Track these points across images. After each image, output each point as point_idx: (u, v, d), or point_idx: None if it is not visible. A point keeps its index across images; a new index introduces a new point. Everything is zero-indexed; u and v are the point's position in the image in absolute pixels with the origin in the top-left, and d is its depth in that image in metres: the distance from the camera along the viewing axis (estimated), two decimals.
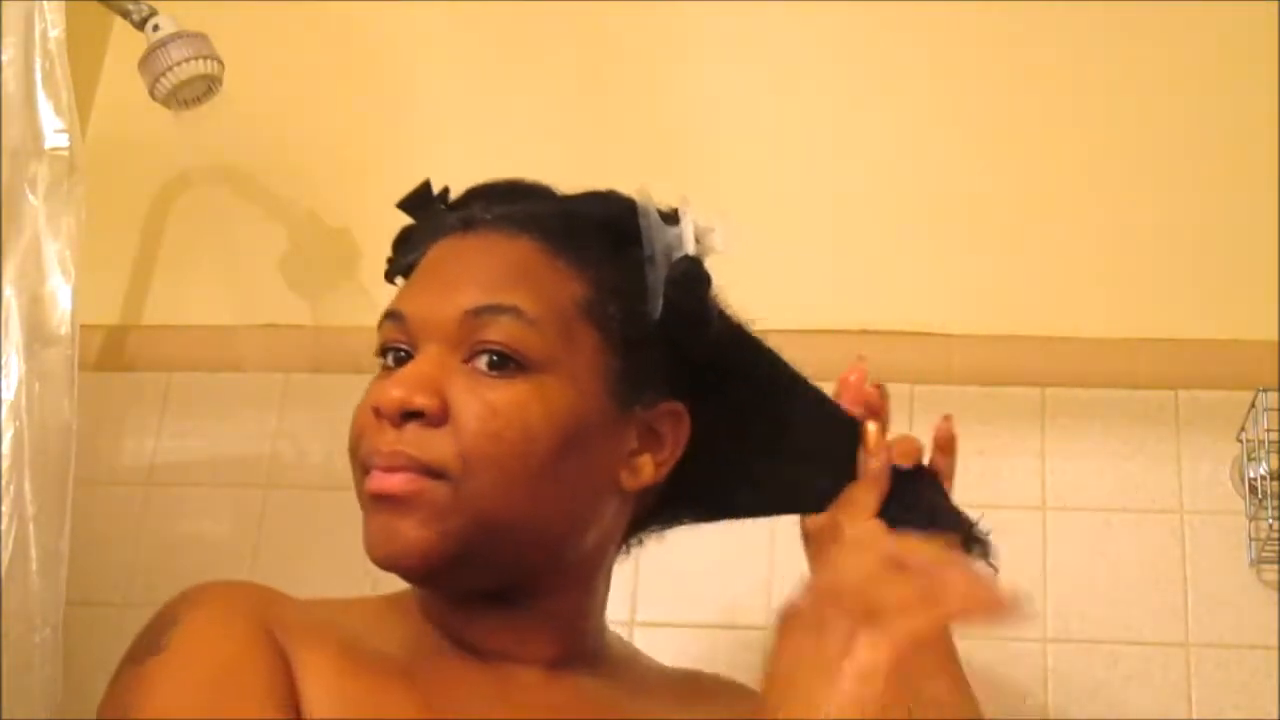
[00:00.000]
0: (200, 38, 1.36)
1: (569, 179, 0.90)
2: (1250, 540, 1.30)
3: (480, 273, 0.80)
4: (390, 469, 0.76)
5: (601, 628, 0.88)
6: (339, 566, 1.43)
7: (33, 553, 1.16)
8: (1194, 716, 1.26)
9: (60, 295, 1.25)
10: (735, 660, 1.22)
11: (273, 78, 1.64)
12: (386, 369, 0.81)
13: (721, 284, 0.88)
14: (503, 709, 0.78)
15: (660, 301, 0.82)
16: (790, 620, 0.67)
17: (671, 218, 0.85)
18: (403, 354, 0.80)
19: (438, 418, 0.76)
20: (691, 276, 0.83)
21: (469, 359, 0.78)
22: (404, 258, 0.89)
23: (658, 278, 0.82)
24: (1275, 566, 1.29)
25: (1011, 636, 1.30)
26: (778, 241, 1.48)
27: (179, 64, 1.34)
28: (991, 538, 0.92)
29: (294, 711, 0.72)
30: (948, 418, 0.93)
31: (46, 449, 1.20)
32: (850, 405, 0.92)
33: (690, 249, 0.83)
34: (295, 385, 1.53)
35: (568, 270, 0.81)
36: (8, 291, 1.20)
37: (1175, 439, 1.36)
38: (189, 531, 1.50)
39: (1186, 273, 1.42)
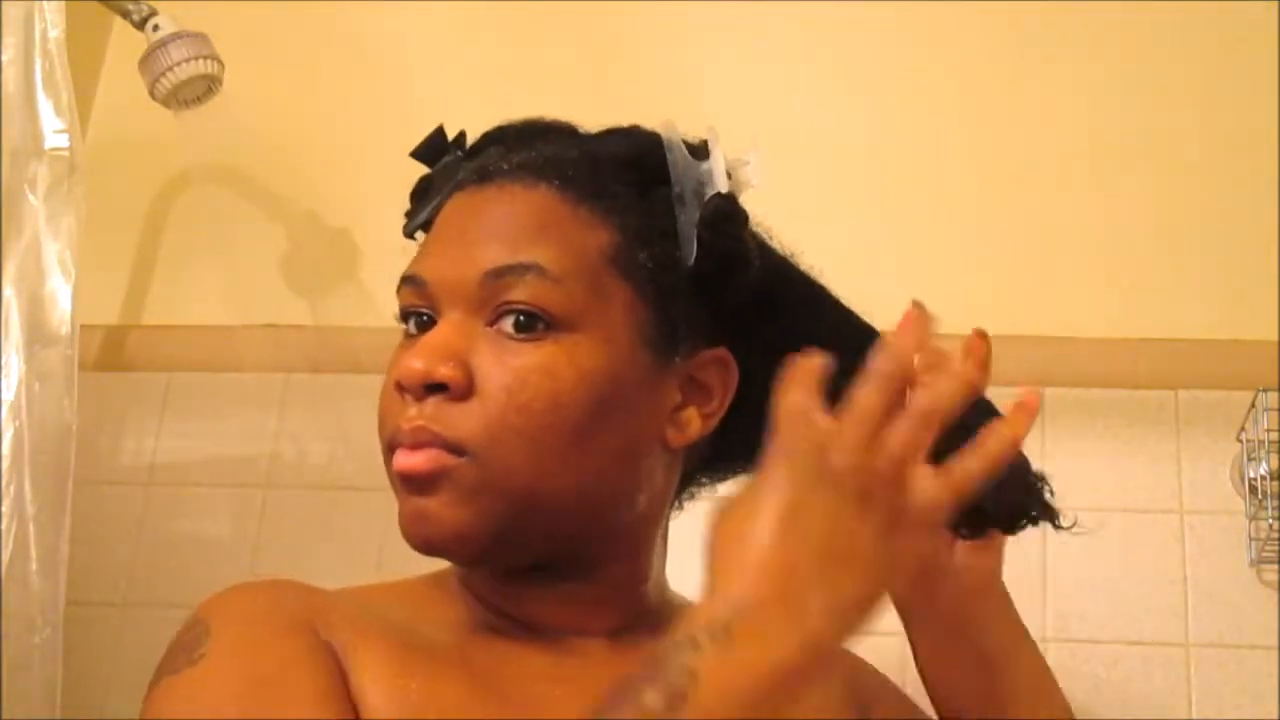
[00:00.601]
0: (200, 38, 1.36)
1: None
2: (1250, 540, 1.30)
3: (499, 229, 0.75)
4: (414, 446, 0.72)
5: (662, 585, 0.83)
6: (339, 566, 1.43)
7: (33, 553, 1.16)
8: (1194, 716, 1.26)
9: (60, 295, 1.25)
10: None
11: (273, 78, 1.64)
12: (409, 335, 0.78)
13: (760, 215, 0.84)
14: (565, 685, 0.74)
15: (694, 244, 0.76)
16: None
17: (701, 151, 0.80)
18: (425, 318, 0.77)
19: (462, 390, 0.72)
20: (724, 215, 0.78)
21: (493, 322, 0.74)
22: (420, 212, 0.84)
23: (689, 219, 0.77)
24: (1275, 566, 1.29)
25: None
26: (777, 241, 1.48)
27: (179, 64, 1.34)
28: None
29: (350, 710, 0.68)
30: (981, 333, 0.76)
31: (46, 449, 1.20)
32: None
33: (722, 185, 0.78)
34: (295, 385, 1.53)
35: (591, 218, 0.76)
36: (8, 291, 1.21)
37: (1175, 439, 1.35)
38: (189, 531, 1.50)
39: (1186, 273, 1.41)
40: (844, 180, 1.51)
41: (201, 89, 1.39)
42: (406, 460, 0.73)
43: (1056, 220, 1.46)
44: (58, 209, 1.26)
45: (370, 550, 1.40)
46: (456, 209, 0.80)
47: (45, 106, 1.26)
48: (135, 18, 1.37)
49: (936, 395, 0.65)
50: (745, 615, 0.59)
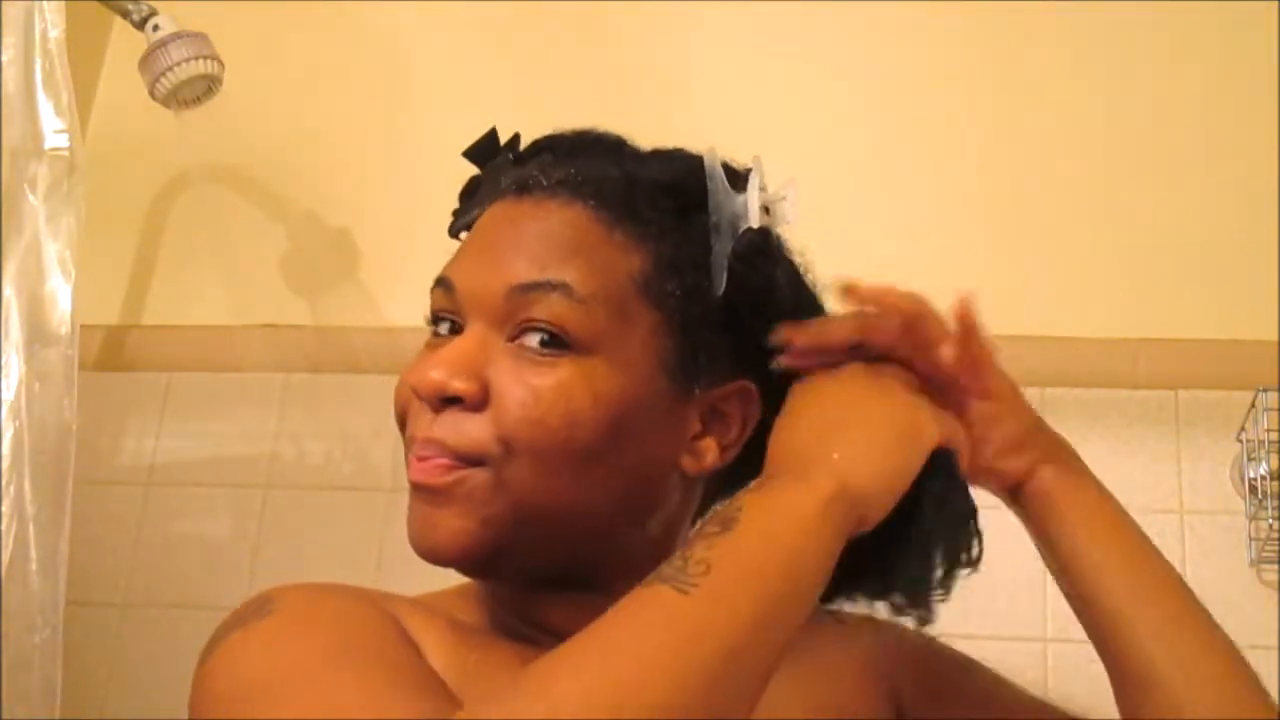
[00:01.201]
0: (200, 38, 1.36)
1: None
2: (1250, 540, 1.30)
3: (531, 245, 0.75)
4: (426, 458, 0.73)
5: None
6: (339, 566, 1.44)
7: (33, 553, 1.16)
8: None
9: (60, 295, 1.25)
10: None
11: (273, 78, 1.64)
12: (437, 336, 0.78)
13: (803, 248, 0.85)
14: None
15: (724, 277, 0.76)
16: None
17: (742, 181, 0.80)
18: (454, 324, 0.77)
19: (476, 402, 0.72)
20: (756, 249, 0.78)
21: (515, 337, 0.74)
22: (466, 214, 0.83)
23: (722, 250, 0.76)
24: (1275, 566, 1.29)
25: (1012, 636, 1.30)
26: None
27: (179, 64, 1.35)
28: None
29: (435, 678, 0.69)
30: (965, 299, 0.86)
31: (46, 449, 1.20)
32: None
33: (754, 219, 0.78)
34: (295, 385, 1.53)
35: (625, 242, 0.75)
36: (8, 291, 1.21)
37: (1175, 439, 1.36)
38: (189, 531, 1.50)
39: (1186, 273, 1.41)
40: (844, 180, 1.51)
41: (201, 89, 1.39)
42: (419, 471, 0.73)
43: (1057, 220, 1.46)
44: (58, 209, 1.26)
45: (370, 550, 1.40)
46: (494, 218, 0.79)
47: (45, 106, 1.26)
48: (135, 18, 1.37)
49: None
50: (760, 487, 0.70)
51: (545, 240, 0.75)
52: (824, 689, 0.83)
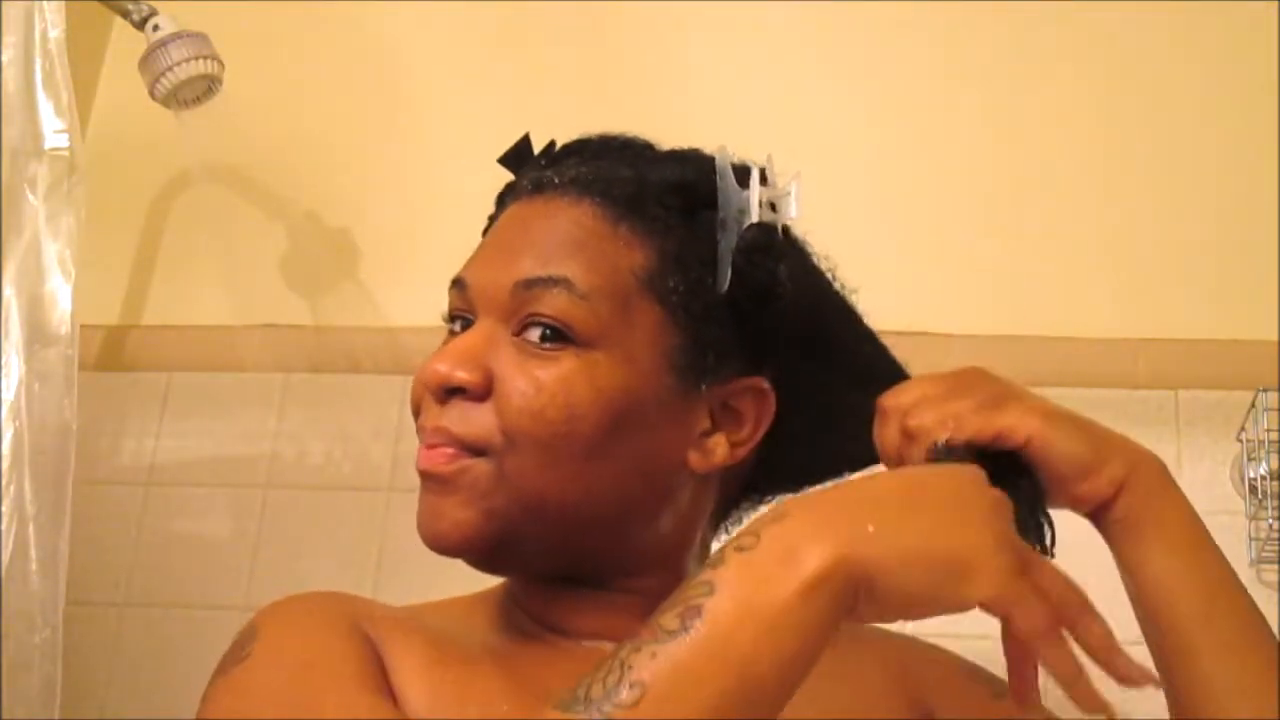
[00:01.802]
0: (200, 38, 1.36)
1: None
2: (1250, 540, 1.29)
3: (537, 242, 0.77)
4: (433, 446, 0.75)
5: None
6: (339, 566, 1.44)
7: (33, 553, 1.16)
8: None
9: (60, 295, 1.25)
10: None
11: (273, 78, 1.64)
12: (452, 334, 0.79)
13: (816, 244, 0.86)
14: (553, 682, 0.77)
15: (728, 272, 0.77)
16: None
17: (749, 180, 0.80)
18: (467, 322, 0.78)
19: (480, 393, 0.74)
20: (758, 246, 0.78)
21: (520, 331, 0.75)
22: (496, 218, 0.85)
23: (728, 246, 0.77)
24: (1275, 566, 1.29)
25: None
26: None
27: (179, 64, 1.34)
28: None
29: (386, 693, 0.70)
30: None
31: (46, 449, 1.20)
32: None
33: (755, 215, 0.78)
34: (295, 385, 1.53)
35: (630, 238, 0.77)
36: (8, 291, 1.21)
37: (1175, 439, 1.35)
38: (189, 531, 1.50)
39: (1186, 273, 1.41)
40: (845, 180, 1.51)
41: (201, 89, 1.39)
42: (426, 460, 0.75)
43: (1057, 220, 1.46)
44: (58, 209, 1.26)
45: (370, 550, 1.40)
46: (509, 218, 0.81)
47: (45, 106, 1.26)
48: (135, 18, 1.37)
49: None
50: (779, 526, 0.61)
51: (551, 237, 0.76)
52: (847, 695, 0.82)
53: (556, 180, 0.80)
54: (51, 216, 1.25)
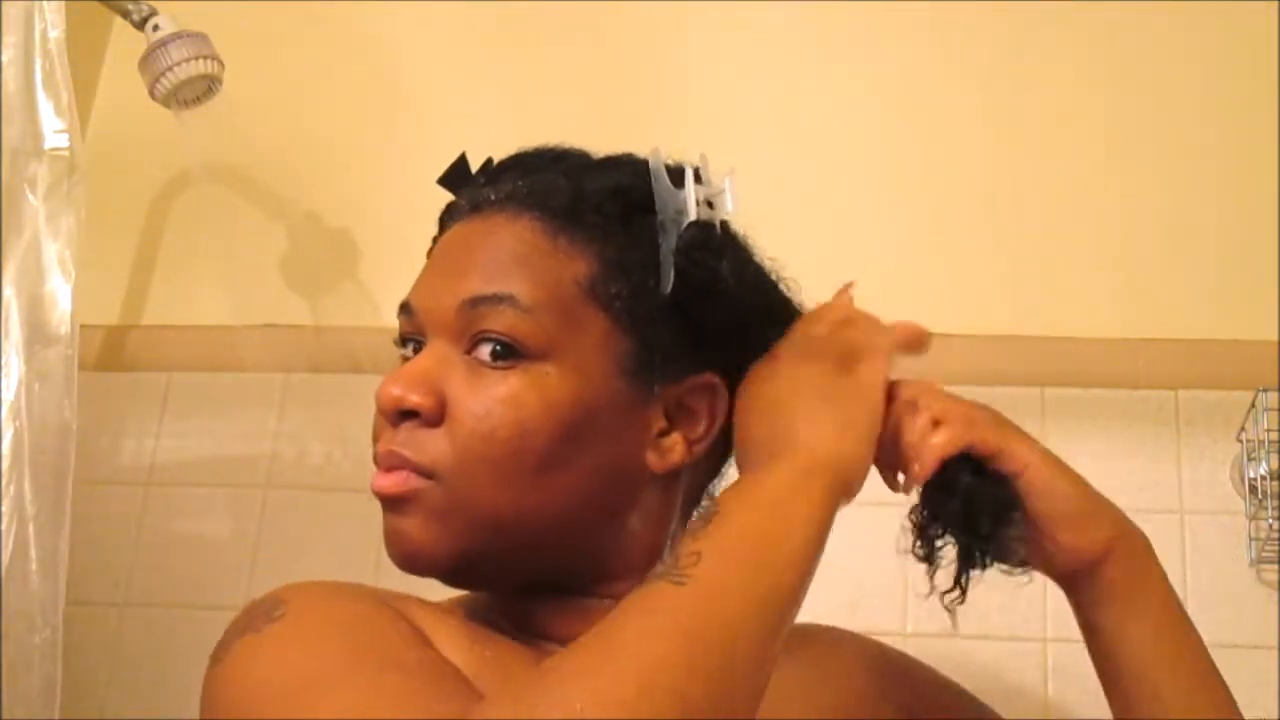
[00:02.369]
0: (200, 38, 1.36)
1: None
2: (1250, 540, 1.30)
3: (479, 260, 0.78)
4: (387, 469, 0.76)
5: None
6: (339, 566, 1.44)
7: (32, 553, 1.16)
8: None
9: (60, 295, 1.25)
10: None
11: (273, 78, 1.64)
12: (405, 358, 0.80)
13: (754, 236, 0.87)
14: None
15: (670, 273, 0.78)
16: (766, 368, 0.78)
17: (682, 179, 0.80)
18: (418, 344, 0.79)
19: (433, 417, 0.75)
20: (698, 244, 0.79)
21: (470, 350, 0.76)
22: (438, 239, 0.86)
23: (669, 247, 0.78)
24: (1275, 566, 1.29)
25: (1011, 636, 1.30)
26: (777, 241, 1.47)
27: (179, 64, 1.34)
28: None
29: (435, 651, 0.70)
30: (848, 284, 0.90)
31: (46, 449, 1.20)
32: None
33: (693, 213, 0.79)
34: (295, 385, 1.53)
35: (570, 249, 0.77)
36: (7, 291, 1.21)
37: (1175, 439, 1.36)
38: (189, 531, 1.50)
39: (1186, 273, 1.41)
40: (846, 180, 1.51)
41: (201, 89, 1.39)
42: (378, 482, 0.76)
43: (1057, 221, 1.46)
44: (57, 209, 1.26)
45: (369, 550, 1.40)
46: (449, 238, 0.82)
47: (45, 106, 1.26)
48: (135, 18, 1.37)
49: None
50: (736, 481, 0.72)
51: (493, 254, 0.77)
52: (828, 693, 0.83)
53: (494, 197, 0.80)
54: (51, 216, 1.25)
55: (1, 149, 1.22)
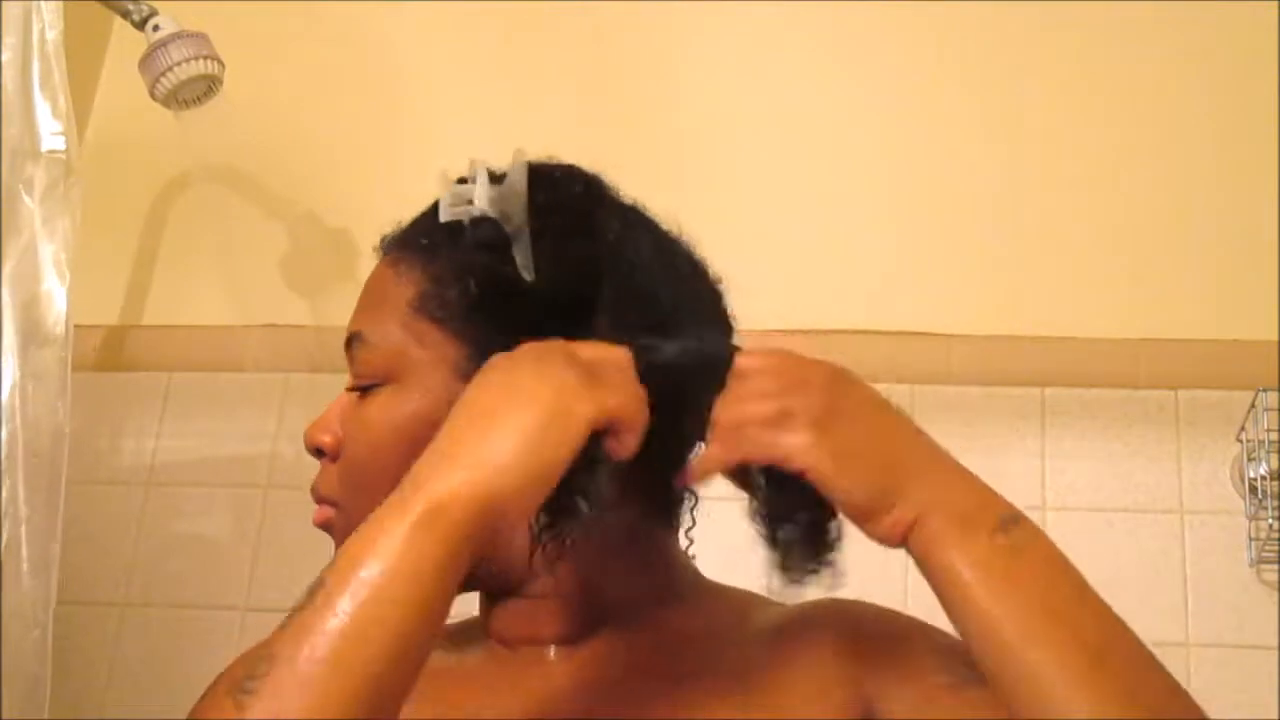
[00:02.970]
0: (200, 38, 1.36)
1: None
2: (1250, 540, 1.30)
3: (357, 305, 0.84)
4: (316, 503, 0.82)
5: (635, 598, 0.81)
6: None
7: (24, 552, 1.16)
8: None
9: (55, 297, 1.25)
10: None
11: (273, 78, 1.64)
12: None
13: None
14: (501, 692, 0.78)
15: (469, 273, 0.79)
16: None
17: (495, 177, 0.82)
18: None
19: (332, 453, 0.81)
20: (484, 243, 0.79)
21: (353, 387, 0.82)
22: None
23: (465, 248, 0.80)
24: (1275, 566, 1.29)
25: None
26: (778, 241, 1.48)
27: (179, 64, 1.34)
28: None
29: None
30: None
31: (40, 450, 1.20)
32: None
33: (482, 209, 0.80)
34: (295, 385, 1.53)
35: (404, 275, 0.82)
36: (4, 293, 1.20)
37: (1175, 439, 1.36)
38: (188, 531, 1.50)
39: (1186, 273, 1.41)
40: (846, 181, 1.51)
41: (201, 89, 1.39)
42: (314, 516, 0.82)
43: (1057, 220, 1.46)
44: (54, 211, 1.26)
45: None
46: None
47: (42, 108, 1.26)
48: (135, 18, 1.37)
49: None
50: (415, 474, 0.67)
51: (361, 298, 0.85)
52: (767, 709, 0.78)
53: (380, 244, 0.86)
54: (48, 218, 1.25)
55: None
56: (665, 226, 0.87)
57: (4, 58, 1.23)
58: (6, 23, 1.23)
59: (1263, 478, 1.27)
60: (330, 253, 1.59)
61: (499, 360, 0.71)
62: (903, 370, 1.41)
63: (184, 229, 1.63)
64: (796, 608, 0.82)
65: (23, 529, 1.16)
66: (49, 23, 1.25)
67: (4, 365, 1.18)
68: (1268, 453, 1.27)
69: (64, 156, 1.26)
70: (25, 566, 1.15)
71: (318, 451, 0.82)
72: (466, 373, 0.76)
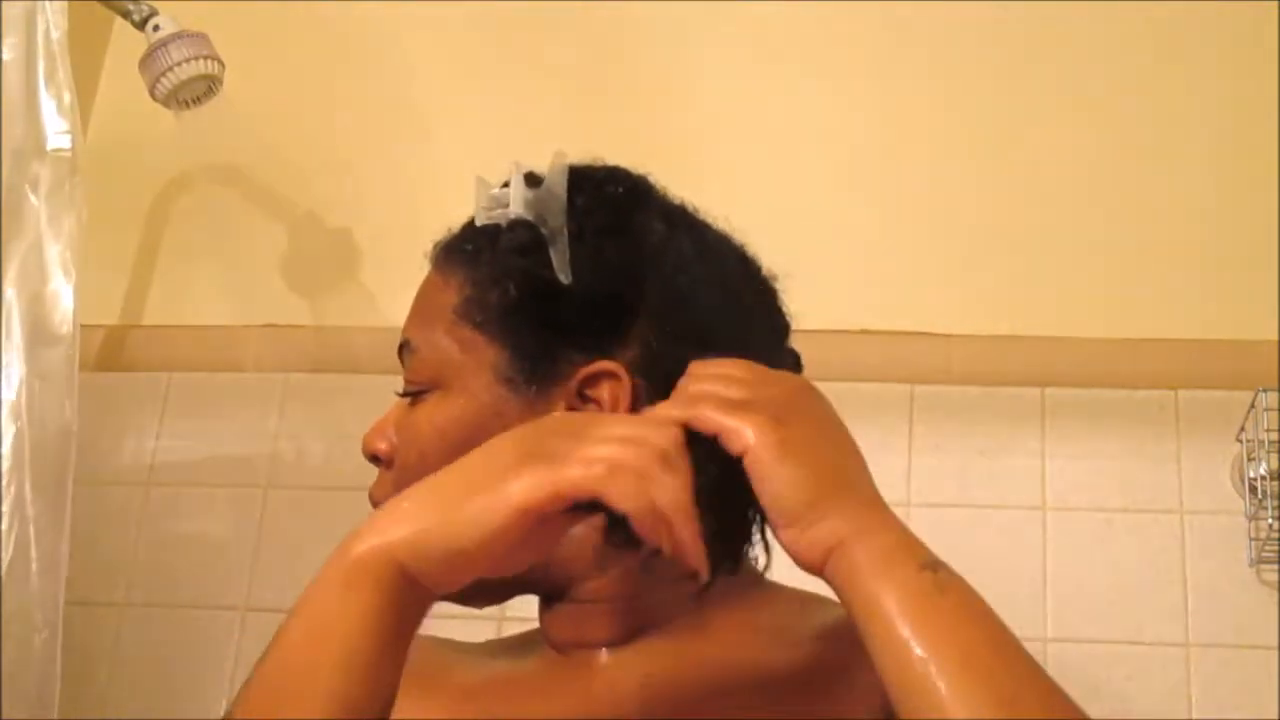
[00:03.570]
0: (200, 38, 1.36)
1: None
2: (1250, 540, 1.30)
3: (409, 312, 0.85)
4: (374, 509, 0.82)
5: (686, 598, 0.79)
6: None
7: (33, 553, 1.16)
8: (1194, 716, 1.26)
9: (61, 295, 1.25)
10: None
11: (273, 78, 1.64)
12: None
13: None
14: (559, 698, 0.79)
15: (511, 277, 0.79)
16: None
17: (535, 180, 0.82)
18: None
19: (389, 460, 0.82)
20: (519, 246, 0.80)
21: (405, 393, 0.83)
22: None
23: (507, 251, 0.81)
24: (1275, 566, 1.29)
25: None
26: (778, 241, 1.47)
27: (179, 64, 1.34)
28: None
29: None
30: None
31: (47, 449, 1.20)
32: None
33: (518, 212, 0.80)
34: (295, 385, 1.53)
35: (446, 282, 0.83)
36: (9, 292, 1.21)
37: (1175, 439, 1.36)
38: (189, 531, 1.50)
39: (1186, 273, 1.42)
40: (846, 181, 1.51)
41: (201, 89, 1.39)
42: None
43: (1057, 221, 1.46)
44: (59, 209, 1.26)
45: None
46: None
47: (47, 107, 1.26)
48: (135, 18, 1.37)
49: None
50: (347, 537, 0.67)
51: (411, 309, 0.85)
52: (819, 710, 0.77)
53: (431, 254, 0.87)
54: (53, 217, 1.26)
55: (3, 149, 1.22)
56: (715, 228, 0.87)
57: (8, 57, 1.23)
58: (10, 23, 1.23)
59: (1263, 478, 1.27)
60: (330, 253, 1.59)
61: (504, 433, 0.69)
62: (903, 370, 1.41)
63: (184, 229, 1.63)
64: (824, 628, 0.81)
65: (31, 528, 1.16)
66: (53, 23, 1.26)
67: (11, 364, 1.18)
68: (1268, 453, 1.27)
69: (69, 155, 1.26)
70: (34, 566, 1.15)
71: (374, 458, 0.83)
72: (508, 376, 0.79)
